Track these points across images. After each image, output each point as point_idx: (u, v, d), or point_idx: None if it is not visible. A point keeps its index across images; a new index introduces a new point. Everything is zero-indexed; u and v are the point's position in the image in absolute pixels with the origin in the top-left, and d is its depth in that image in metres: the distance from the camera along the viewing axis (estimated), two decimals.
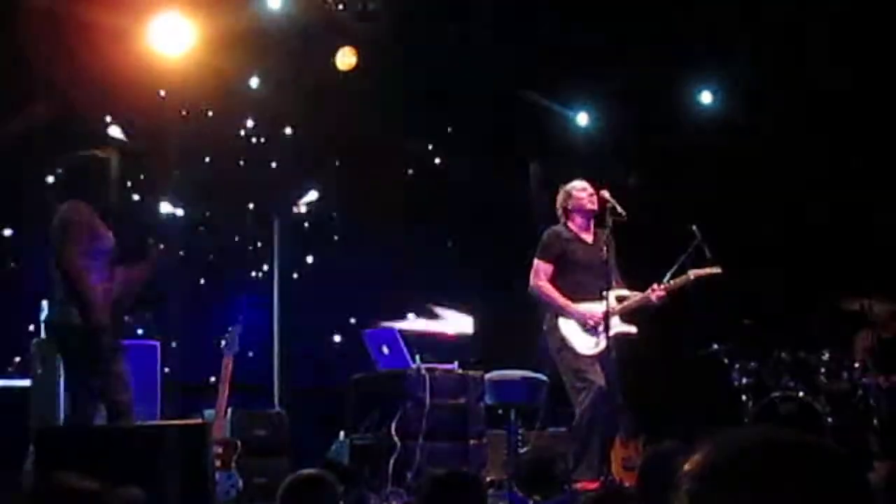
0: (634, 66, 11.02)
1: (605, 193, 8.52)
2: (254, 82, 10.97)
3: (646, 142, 11.45)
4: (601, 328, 8.32)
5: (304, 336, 11.09)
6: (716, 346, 9.76)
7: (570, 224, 8.77)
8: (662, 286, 8.63)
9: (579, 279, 8.59)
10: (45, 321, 7.35)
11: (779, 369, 9.55)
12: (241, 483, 8.43)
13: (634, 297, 8.68)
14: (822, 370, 9.46)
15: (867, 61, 10.43)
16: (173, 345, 10.08)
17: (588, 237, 8.72)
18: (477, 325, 10.23)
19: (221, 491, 8.07)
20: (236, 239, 11.57)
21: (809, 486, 1.68)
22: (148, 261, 7.47)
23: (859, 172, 10.59)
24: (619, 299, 8.62)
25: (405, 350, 8.86)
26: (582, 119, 11.96)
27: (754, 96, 11.09)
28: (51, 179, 7.26)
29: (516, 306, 9.70)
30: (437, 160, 12.22)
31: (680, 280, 8.66)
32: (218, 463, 8.24)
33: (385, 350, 8.99)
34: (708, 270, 8.67)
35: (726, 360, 9.72)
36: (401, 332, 9.09)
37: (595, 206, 8.63)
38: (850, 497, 1.71)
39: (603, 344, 8.38)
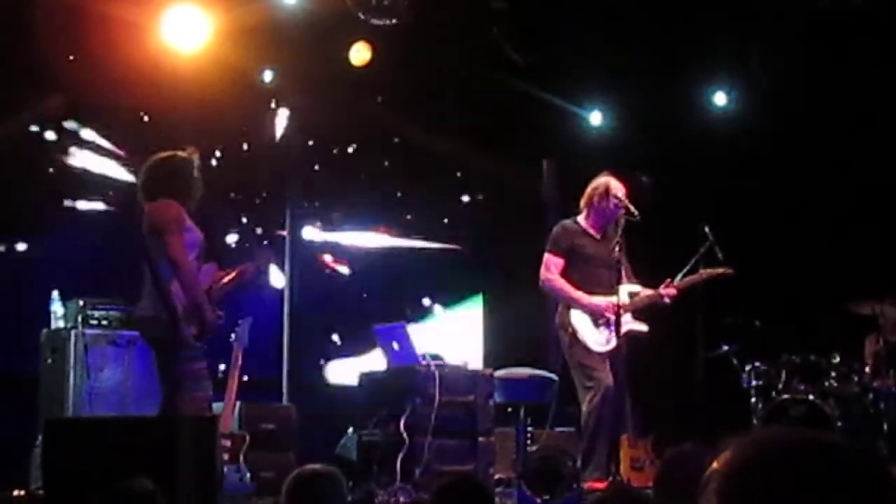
0: (648, 65, 11.01)
1: (620, 193, 8.52)
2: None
3: (659, 142, 11.43)
4: (613, 324, 8.32)
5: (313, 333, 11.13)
6: (725, 348, 9.74)
7: (582, 218, 8.75)
8: (674, 284, 8.63)
9: (590, 273, 8.59)
10: (135, 316, 7.37)
11: (788, 371, 9.52)
12: (248, 476, 8.44)
13: (645, 293, 8.68)
14: (832, 373, 9.42)
15: (880, 64, 10.41)
16: None
17: (596, 234, 8.71)
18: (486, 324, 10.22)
19: (229, 484, 8.08)
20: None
21: (839, 486, 1.69)
22: (255, 261, 7.75)
23: (873, 174, 10.56)
24: (631, 295, 8.62)
25: (415, 346, 8.86)
26: (595, 118, 11.94)
27: (768, 97, 11.06)
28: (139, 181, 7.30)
29: (526, 303, 9.71)
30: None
31: (690, 278, 8.66)
32: (226, 456, 8.25)
33: (395, 346, 8.99)
34: (719, 271, 8.67)
35: (736, 362, 9.70)
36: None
37: (617, 217, 8.59)
38: (880, 496, 1.71)
39: (614, 342, 8.37)
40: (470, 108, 11.60)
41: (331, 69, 10.74)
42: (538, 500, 8.23)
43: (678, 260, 8.87)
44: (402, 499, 8.17)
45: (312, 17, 10.20)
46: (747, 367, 9.64)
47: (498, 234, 11.93)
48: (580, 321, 8.52)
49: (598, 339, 8.48)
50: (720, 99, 11.51)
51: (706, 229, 8.81)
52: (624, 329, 8.36)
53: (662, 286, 8.64)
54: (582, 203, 8.76)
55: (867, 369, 9.44)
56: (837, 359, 9.46)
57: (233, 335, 8.76)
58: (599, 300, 8.46)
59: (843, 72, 10.54)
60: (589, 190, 8.73)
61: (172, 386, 7.05)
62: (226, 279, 7.45)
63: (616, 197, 8.56)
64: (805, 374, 9.47)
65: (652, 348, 8.83)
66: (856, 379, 9.43)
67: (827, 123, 10.72)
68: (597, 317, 8.51)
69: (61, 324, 9.20)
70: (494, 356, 9.97)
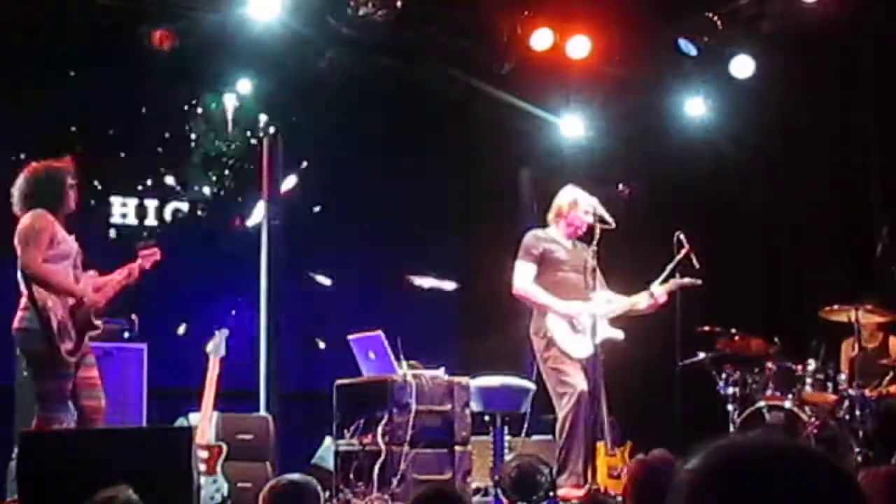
0: (626, 74, 11.04)
1: (595, 201, 8.54)
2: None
3: (635, 150, 11.46)
4: (589, 330, 8.32)
5: (291, 340, 11.09)
6: (702, 355, 9.76)
7: (552, 229, 8.79)
8: (663, 290, 8.66)
9: (562, 278, 8.62)
10: (13, 327, 7.38)
11: (765, 379, 9.55)
12: (226, 487, 8.41)
13: (635, 300, 8.70)
14: (808, 380, 9.46)
15: (862, 70, 10.47)
16: (159, 348, 10.03)
17: (567, 242, 8.74)
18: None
19: (206, 495, 8.05)
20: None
21: (807, 492, 1.70)
22: (128, 267, 7.61)
23: (851, 180, 10.62)
24: (609, 302, 8.64)
25: (391, 356, 8.85)
26: (572, 126, 11.93)
27: (744, 105, 11.09)
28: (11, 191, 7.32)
29: (502, 309, 9.71)
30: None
31: (670, 285, 8.70)
32: (203, 467, 8.23)
33: (371, 356, 8.98)
34: (687, 282, 8.72)
35: (713, 371, 9.73)
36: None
37: (591, 225, 8.59)
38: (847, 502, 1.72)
39: (591, 349, 8.38)
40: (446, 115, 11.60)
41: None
42: None
43: (654, 268, 8.89)
44: None
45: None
46: (724, 375, 9.67)
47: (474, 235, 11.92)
48: (557, 326, 8.52)
49: (575, 345, 8.49)
50: (697, 107, 11.52)
51: (681, 237, 8.83)
52: (600, 336, 8.38)
53: (657, 297, 8.65)
54: (551, 216, 8.82)
55: (843, 376, 9.48)
56: (813, 366, 9.50)
57: (209, 345, 8.75)
58: (576, 305, 8.47)
59: (821, 79, 10.59)
60: (557, 201, 8.81)
61: (55, 401, 7.11)
62: (109, 284, 7.46)
63: (587, 206, 8.60)
64: (781, 382, 9.50)
65: (628, 356, 8.86)
66: (832, 386, 9.47)
67: (804, 131, 10.77)
68: (574, 322, 8.52)
69: None
70: (471, 363, 9.95)
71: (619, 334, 8.66)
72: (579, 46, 10.77)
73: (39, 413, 7.14)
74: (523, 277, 8.66)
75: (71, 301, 7.20)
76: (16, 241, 7.14)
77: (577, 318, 8.48)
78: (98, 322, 7.33)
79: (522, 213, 12.06)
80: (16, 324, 7.22)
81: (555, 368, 8.49)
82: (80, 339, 7.20)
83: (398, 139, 11.65)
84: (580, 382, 8.35)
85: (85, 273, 7.39)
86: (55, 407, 7.13)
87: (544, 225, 8.93)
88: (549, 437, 9.17)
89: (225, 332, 8.88)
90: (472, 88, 11.14)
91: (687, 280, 8.75)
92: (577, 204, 8.65)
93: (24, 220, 7.18)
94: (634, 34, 10.78)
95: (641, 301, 8.73)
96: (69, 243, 7.29)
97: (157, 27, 9.75)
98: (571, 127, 11.79)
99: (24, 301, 7.17)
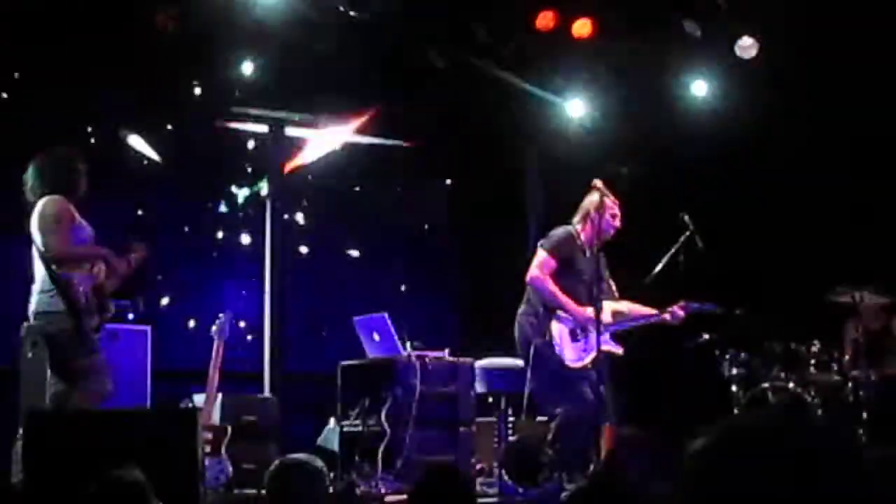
0: (629, 55, 11.02)
1: (598, 183, 8.41)
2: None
3: (639, 131, 11.42)
4: (592, 340, 8.19)
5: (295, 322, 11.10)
6: (706, 336, 9.76)
7: (579, 230, 8.57)
8: (679, 306, 8.59)
9: (573, 286, 8.41)
10: (32, 311, 7.41)
11: (769, 360, 9.56)
12: (230, 469, 8.43)
13: (644, 312, 8.64)
14: (813, 362, 9.46)
15: (864, 52, 10.43)
16: (163, 330, 10.04)
17: (587, 251, 8.51)
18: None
19: (211, 477, 8.07)
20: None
21: (812, 469, 1.70)
22: (132, 250, 7.65)
23: (853, 163, 10.60)
24: (615, 314, 8.55)
25: (395, 337, 8.86)
26: (576, 108, 11.89)
27: (749, 85, 11.07)
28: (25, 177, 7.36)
29: (503, 293, 9.69)
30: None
31: (686, 307, 8.62)
32: (207, 448, 8.25)
33: (376, 337, 8.99)
34: (707, 308, 8.74)
35: (717, 351, 9.73)
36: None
37: (609, 236, 8.50)
38: (853, 481, 1.72)
39: (588, 360, 8.31)
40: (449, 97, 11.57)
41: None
42: (519, 489, 8.26)
43: (657, 249, 8.89)
44: (383, 489, 8.19)
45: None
46: (727, 357, 9.66)
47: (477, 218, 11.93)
48: (559, 332, 8.36)
49: (572, 354, 8.35)
50: (701, 89, 11.49)
51: (686, 218, 8.82)
52: (600, 347, 8.17)
53: (669, 310, 8.57)
54: (577, 217, 8.58)
55: (847, 358, 9.49)
56: (818, 347, 9.50)
57: (213, 328, 8.76)
58: (588, 311, 8.20)
59: (824, 62, 10.56)
60: (585, 204, 8.56)
61: (70, 379, 7.16)
62: (123, 265, 7.51)
63: (614, 212, 8.47)
64: (785, 363, 9.51)
65: (632, 338, 8.85)
66: (835, 367, 9.48)
67: (808, 113, 10.74)
68: (577, 329, 8.38)
69: None
70: (475, 345, 9.96)
71: (618, 349, 8.55)
72: (583, 27, 10.75)
73: (81, 391, 7.16)
74: (544, 269, 8.42)
75: (96, 279, 7.25)
76: (34, 229, 7.20)
77: (583, 326, 8.32)
78: (111, 305, 7.39)
79: (530, 196, 12.06)
80: (34, 307, 7.28)
81: (556, 371, 8.39)
82: (100, 319, 7.28)
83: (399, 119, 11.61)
84: (583, 393, 8.28)
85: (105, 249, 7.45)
86: (97, 380, 7.20)
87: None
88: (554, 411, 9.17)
89: (229, 314, 8.89)
90: (476, 69, 11.10)
91: (707, 306, 8.71)
92: (604, 205, 8.35)
93: (41, 207, 7.23)
94: (638, 15, 10.74)
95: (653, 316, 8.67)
96: (86, 228, 7.35)
97: (161, 9, 9.72)
98: (575, 108, 11.75)
99: (40, 285, 7.22)
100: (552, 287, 8.37)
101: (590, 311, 8.11)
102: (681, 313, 8.58)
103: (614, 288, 8.68)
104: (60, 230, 7.15)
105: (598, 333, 8.02)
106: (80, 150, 7.70)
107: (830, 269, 9.79)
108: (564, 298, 8.35)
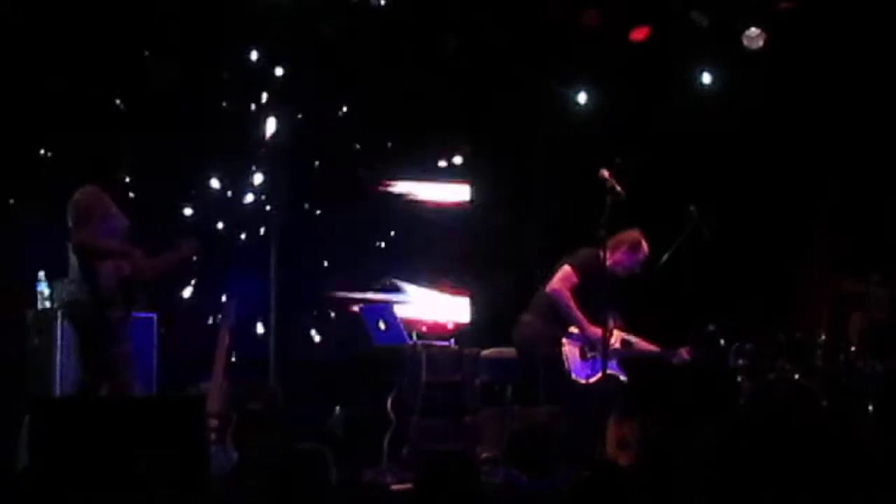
0: (635, 44, 11.01)
1: (605, 172, 8.42)
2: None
3: (644, 121, 11.41)
4: (600, 364, 8.25)
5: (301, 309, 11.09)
6: (712, 327, 9.75)
7: (608, 255, 8.52)
8: (686, 350, 8.84)
9: (590, 307, 8.56)
10: (62, 301, 7.49)
11: (774, 351, 9.54)
12: (236, 456, 8.44)
13: (651, 348, 8.88)
14: (818, 352, 9.45)
15: (864, 41, 10.41)
16: (169, 317, 10.05)
17: (608, 275, 8.44)
18: (473, 307, 10.15)
19: (216, 464, 8.08)
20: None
21: (817, 461, 1.72)
22: (175, 252, 7.74)
23: (861, 152, 10.58)
24: (625, 343, 8.76)
25: (402, 326, 8.86)
26: (582, 98, 11.88)
27: (754, 76, 11.05)
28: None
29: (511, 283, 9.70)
30: None
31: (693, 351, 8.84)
32: (213, 436, 8.26)
33: (382, 326, 8.99)
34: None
35: (722, 341, 9.72)
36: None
37: (626, 274, 8.75)
38: (852, 471, 1.74)
39: (594, 379, 8.46)
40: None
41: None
42: (524, 479, 8.27)
43: (662, 240, 8.90)
44: (388, 478, 8.20)
45: None
46: (733, 347, 9.65)
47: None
48: (569, 348, 8.61)
49: (580, 371, 8.56)
50: (706, 78, 11.47)
51: (692, 209, 8.82)
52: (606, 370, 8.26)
53: (678, 352, 8.85)
54: (611, 242, 8.57)
55: (852, 348, 9.47)
56: (823, 338, 9.49)
57: (219, 316, 8.77)
58: (599, 331, 8.31)
59: (829, 49, 10.54)
60: (624, 237, 8.79)
61: (98, 370, 7.22)
62: (157, 262, 7.59)
63: (643, 255, 8.78)
64: (791, 354, 9.49)
65: (639, 328, 8.86)
66: (841, 358, 9.46)
67: (814, 101, 10.72)
68: (587, 347, 8.59)
69: (48, 304, 9.19)
70: (481, 334, 9.95)
71: (623, 376, 8.74)
72: (591, 17, 10.75)
73: (112, 380, 7.25)
74: (567, 285, 8.65)
75: (123, 272, 7.28)
76: (68, 216, 7.29)
77: (592, 345, 8.53)
78: (140, 296, 7.43)
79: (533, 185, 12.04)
80: (64, 296, 7.48)
81: (564, 382, 8.55)
82: (127, 311, 7.34)
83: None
84: (584, 404, 8.40)
85: (134, 249, 7.46)
86: (123, 371, 7.28)
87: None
88: (559, 407, 9.18)
89: (235, 301, 8.90)
90: (481, 58, 11.11)
91: (711, 357, 9.00)
92: (638, 246, 8.76)
93: (75, 197, 7.32)
94: (646, 5, 10.74)
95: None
96: (120, 219, 7.41)
97: None
98: (581, 98, 11.74)
99: (71, 274, 7.32)
100: (571, 302, 8.61)
101: (599, 332, 8.28)
102: (686, 357, 8.87)
103: (621, 317, 8.85)
104: (87, 222, 7.22)
105: (605, 359, 8.12)
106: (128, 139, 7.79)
107: (838, 259, 9.78)
108: (580, 315, 8.59)
